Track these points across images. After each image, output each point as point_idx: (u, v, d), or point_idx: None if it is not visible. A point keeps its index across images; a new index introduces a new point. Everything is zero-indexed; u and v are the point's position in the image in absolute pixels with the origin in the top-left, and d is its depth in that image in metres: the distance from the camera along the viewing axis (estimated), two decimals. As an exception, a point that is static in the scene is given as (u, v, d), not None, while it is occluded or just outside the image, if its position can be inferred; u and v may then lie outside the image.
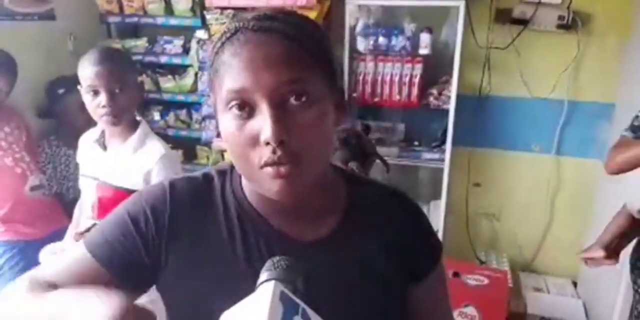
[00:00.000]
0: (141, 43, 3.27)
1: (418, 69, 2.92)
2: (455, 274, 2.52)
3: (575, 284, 3.23)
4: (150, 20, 3.19)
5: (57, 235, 2.01)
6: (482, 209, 3.35)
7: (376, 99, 3.02)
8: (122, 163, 1.73)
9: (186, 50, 3.21)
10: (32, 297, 0.71)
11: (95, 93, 1.64)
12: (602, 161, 1.89)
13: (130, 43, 3.27)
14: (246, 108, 0.67)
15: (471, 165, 3.24)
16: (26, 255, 2.26)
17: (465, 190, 3.29)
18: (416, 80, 2.93)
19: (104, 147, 1.80)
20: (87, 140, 1.88)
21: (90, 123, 1.84)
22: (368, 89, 3.00)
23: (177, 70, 3.26)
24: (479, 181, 3.30)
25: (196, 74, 3.19)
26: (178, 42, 3.23)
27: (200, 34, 3.08)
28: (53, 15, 2.89)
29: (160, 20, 3.17)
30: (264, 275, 0.60)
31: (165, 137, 1.91)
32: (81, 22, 3.11)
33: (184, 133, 3.33)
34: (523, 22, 2.89)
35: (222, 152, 3.21)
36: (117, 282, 0.74)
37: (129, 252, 0.76)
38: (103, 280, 0.74)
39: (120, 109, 1.66)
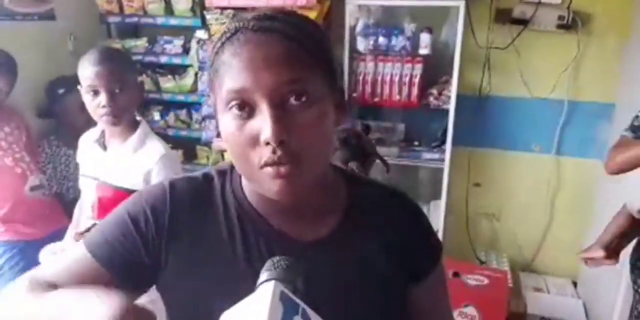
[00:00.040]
0: (141, 43, 3.27)
1: (418, 69, 2.92)
2: (455, 274, 2.52)
3: (575, 284, 3.23)
4: (150, 20, 3.19)
5: (57, 235, 2.01)
6: (482, 209, 3.35)
7: (376, 99, 3.02)
8: (122, 163, 1.73)
9: (186, 50, 3.21)
10: (32, 297, 0.71)
11: (95, 93, 1.64)
12: (602, 161, 1.89)
13: (130, 43, 3.27)
14: (246, 108, 0.67)
15: (471, 165, 3.24)
16: (26, 255, 2.26)
17: (465, 190, 3.29)
18: (416, 80, 2.93)
19: (104, 147, 1.80)
20: (87, 140, 1.88)
21: (90, 123, 1.84)
22: (368, 89, 3.00)
23: (177, 70, 3.26)
24: (479, 181, 3.30)
25: (196, 74, 3.19)
26: (178, 42, 3.23)
27: (200, 34, 3.08)
28: (53, 15, 2.89)
29: (160, 20, 3.17)
30: (264, 275, 0.60)
31: (165, 137, 1.91)
32: (81, 22, 3.11)
33: (184, 133, 3.33)
34: (523, 22, 2.89)
35: (222, 152, 3.21)
36: (117, 282, 0.74)
37: (129, 252, 0.76)
38: (103, 280, 0.73)
39: (120, 109, 1.66)
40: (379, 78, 2.97)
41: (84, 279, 0.73)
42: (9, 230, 2.32)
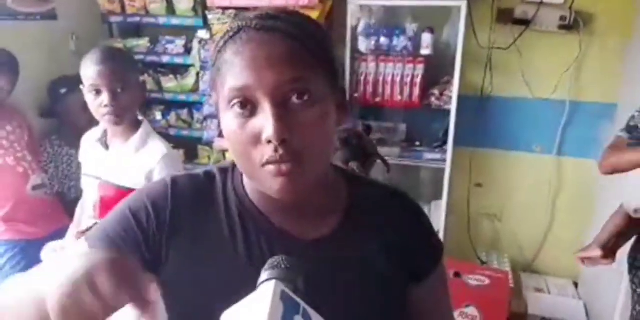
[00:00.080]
0: (143, 43, 3.28)
1: (420, 69, 2.92)
2: (457, 274, 2.52)
3: (576, 285, 3.23)
4: (152, 20, 3.19)
5: (59, 234, 2.02)
6: (484, 210, 3.35)
7: (378, 99, 3.02)
8: (124, 162, 1.73)
9: (188, 50, 3.21)
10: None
11: (98, 92, 1.64)
12: (597, 160, 1.91)
13: (132, 43, 3.28)
14: (248, 106, 0.67)
15: (472, 165, 3.24)
16: (28, 255, 2.27)
17: (466, 191, 3.29)
18: (418, 80, 2.93)
19: (106, 147, 1.80)
20: (89, 140, 1.88)
21: (92, 122, 1.85)
22: (369, 89, 3.01)
23: (178, 70, 3.26)
24: (480, 181, 3.30)
25: (198, 74, 3.19)
26: (180, 42, 3.24)
27: (202, 33, 3.08)
28: (55, 15, 2.90)
29: (162, 20, 3.17)
30: (264, 274, 0.60)
31: (166, 137, 1.91)
32: (83, 21, 3.12)
33: (185, 133, 3.34)
34: (525, 23, 2.89)
35: (223, 152, 3.21)
36: None
37: (130, 248, 0.75)
38: None
39: (123, 109, 1.66)
40: (381, 78, 2.98)
41: None
42: (10, 230, 2.32)
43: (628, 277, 1.95)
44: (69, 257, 0.57)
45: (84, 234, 1.55)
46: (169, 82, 3.27)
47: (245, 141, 0.68)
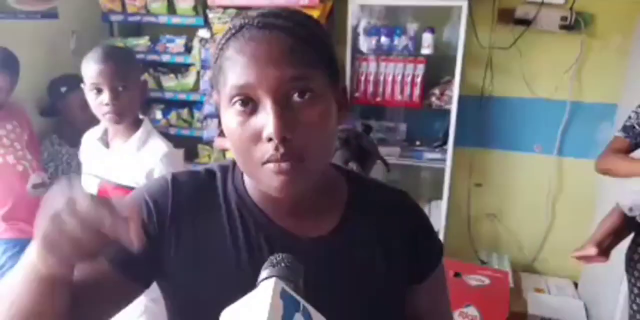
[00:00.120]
0: (143, 42, 3.28)
1: (420, 69, 2.93)
2: (457, 274, 2.52)
3: (576, 285, 3.23)
4: (152, 19, 3.20)
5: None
6: (484, 209, 3.35)
7: (378, 99, 3.03)
8: (124, 161, 1.73)
9: (188, 49, 3.21)
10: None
11: (99, 91, 1.64)
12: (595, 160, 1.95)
13: (133, 42, 3.28)
14: (250, 104, 0.67)
15: (473, 165, 3.24)
16: (28, 253, 2.26)
17: (466, 191, 3.30)
18: (418, 80, 2.94)
19: (107, 145, 1.80)
20: (89, 139, 1.88)
21: (93, 121, 1.84)
22: (370, 88, 3.01)
23: (179, 69, 3.27)
24: (480, 181, 3.30)
25: (198, 73, 3.19)
26: (180, 41, 3.24)
27: (203, 32, 3.09)
28: (56, 13, 2.90)
29: (162, 19, 3.18)
30: (264, 272, 0.60)
31: (167, 136, 1.91)
32: (84, 20, 3.12)
33: (185, 132, 3.34)
34: (526, 23, 2.90)
35: (223, 151, 3.21)
36: (118, 275, 0.74)
37: None
38: (109, 276, 0.73)
39: (123, 107, 1.66)
40: (381, 78, 2.98)
41: (89, 276, 0.72)
42: (11, 228, 2.32)
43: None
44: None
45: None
46: (169, 81, 3.27)
47: (246, 139, 0.68)
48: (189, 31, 3.20)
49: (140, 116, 1.82)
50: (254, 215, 0.79)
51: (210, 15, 3.01)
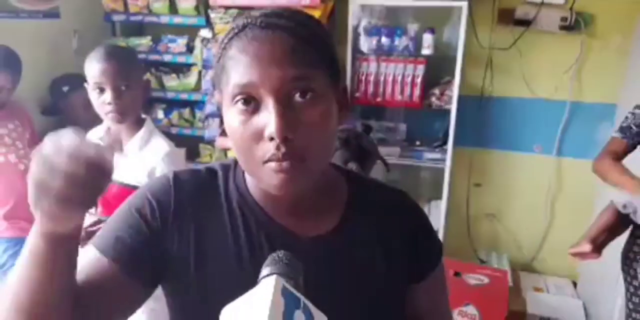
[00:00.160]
0: (145, 41, 3.28)
1: (420, 69, 2.93)
2: (456, 273, 2.53)
3: (575, 284, 3.24)
4: (154, 19, 3.20)
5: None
6: (483, 209, 3.36)
7: (378, 99, 3.04)
8: (127, 160, 1.74)
9: (190, 49, 3.22)
10: None
11: (101, 90, 1.65)
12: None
13: (135, 41, 3.28)
14: (252, 103, 0.68)
15: (472, 165, 3.25)
16: (30, 252, 2.27)
17: (466, 190, 3.30)
18: (418, 80, 2.94)
19: (110, 146, 1.80)
20: (92, 138, 1.89)
21: (95, 120, 1.85)
22: (370, 89, 3.02)
23: (180, 68, 3.28)
24: (480, 181, 3.31)
25: (200, 73, 3.20)
26: (182, 41, 3.25)
27: (204, 32, 3.09)
28: (58, 13, 2.91)
29: (164, 19, 3.19)
30: (265, 269, 0.61)
31: (168, 135, 1.91)
32: (86, 20, 3.13)
33: (187, 131, 3.35)
34: (526, 23, 2.90)
35: (225, 150, 3.22)
36: (125, 275, 0.73)
37: (137, 243, 0.75)
38: (117, 278, 0.73)
39: (126, 106, 1.66)
40: (382, 78, 2.99)
41: (95, 280, 0.72)
42: (12, 227, 2.32)
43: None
44: None
45: (85, 230, 1.57)
46: (171, 81, 3.28)
47: (248, 137, 0.68)
48: (191, 31, 3.20)
49: (143, 115, 1.83)
50: (255, 213, 0.79)
51: (212, 15, 3.01)
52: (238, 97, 0.68)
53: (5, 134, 2.28)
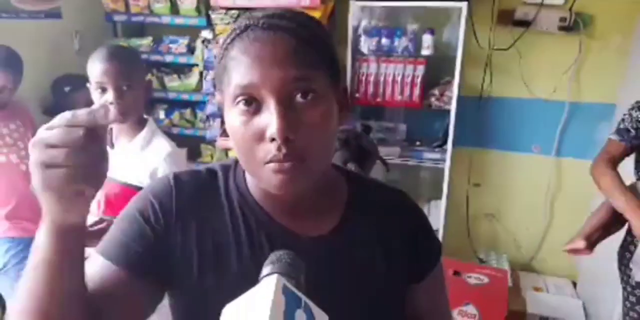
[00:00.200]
0: (146, 42, 3.30)
1: (420, 69, 2.94)
2: (456, 273, 2.54)
3: (574, 284, 3.24)
4: (155, 20, 3.21)
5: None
6: (483, 209, 3.36)
7: (378, 100, 3.04)
8: (129, 160, 1.75)
9: (191, 50, 3.23)
10: None
11: (103, 90, 1.65)
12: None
13: (136, 42, 3.29)
14: (253, 104, 0.68)
15: (472, 165, 3.26)
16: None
17: (465, 191, 3.31)
18: (418, 81, 2.95)
19: (112, 145, 1.81)
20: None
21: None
22: (370, 89, 3.02)
23: (182, 69, 3.29)
24: (479, 181, 3.31)
25: (201, 73, 3.21)
26: (183, 42, 3.26)
27: (206, 33, 3.10)
28: (59, 13, 2.91)
29: (165, 20, 3.19)
30: (266, 268, 0.61)
31: (170, 136, 1.92)
32: (87, 20, 3.14)
33: (188, 132, 3.36)
34: (525, 24, 2.91)
35: (226, 151, 3.23)
36: (133, 279, 0.73)
37: (141, 246, 0.75)
38: (126, 283, 0.73)
39: (128, 106, 1.67)
40: (381, 78, 3.00)
41: (105, 285, 0.72)
42: (14, 227, 2.32)
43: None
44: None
45: (88, 230, 1.58)
46: (173, 82, 3.29)
47: (249, 138, 0.69)
48: (192, 32, 3.21)
49: (145, 116, 1.84)
50: (255, 213, 0.80)
51: (213, 16, 3.02)
52: (239, 98, 0.68)
53: (7, 134, 2.28)
